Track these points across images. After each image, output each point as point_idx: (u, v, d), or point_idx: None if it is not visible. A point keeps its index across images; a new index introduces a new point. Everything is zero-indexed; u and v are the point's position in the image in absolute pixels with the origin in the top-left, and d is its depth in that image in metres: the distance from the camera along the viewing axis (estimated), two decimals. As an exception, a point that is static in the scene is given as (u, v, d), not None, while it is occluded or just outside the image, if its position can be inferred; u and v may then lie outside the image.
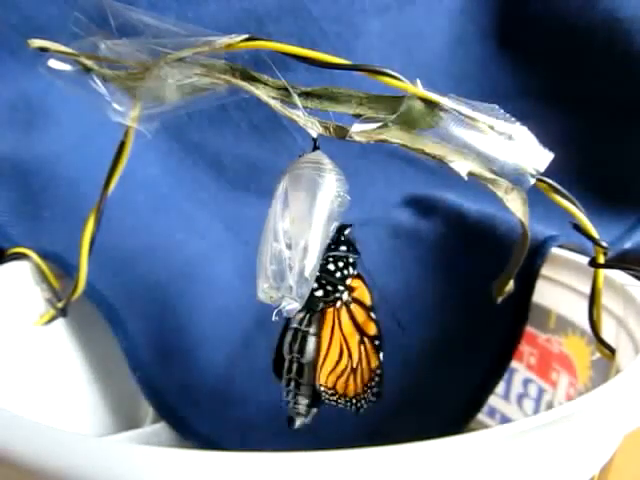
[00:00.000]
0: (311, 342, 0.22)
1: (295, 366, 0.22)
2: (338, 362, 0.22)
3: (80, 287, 0.28)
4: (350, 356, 0.23)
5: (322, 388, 0.22)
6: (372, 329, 0.23)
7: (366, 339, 0.23)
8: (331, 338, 0.22)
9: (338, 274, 0.22)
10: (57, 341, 0.32)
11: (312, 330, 0.22)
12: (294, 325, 0.22)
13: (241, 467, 0.13)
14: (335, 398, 0.23)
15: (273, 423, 0.33)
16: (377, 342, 0.23)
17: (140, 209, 0.35)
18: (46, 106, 0.33)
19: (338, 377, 0.22)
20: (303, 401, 0.22)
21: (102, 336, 0.33)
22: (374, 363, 0.23)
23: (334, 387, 0.22)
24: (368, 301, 0.23)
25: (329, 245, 0.22)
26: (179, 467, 0.13)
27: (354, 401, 0.23)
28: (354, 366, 0.23)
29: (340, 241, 0.23)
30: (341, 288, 0.22)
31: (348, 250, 0.23)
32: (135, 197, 0.34)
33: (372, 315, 0.23)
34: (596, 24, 0.37)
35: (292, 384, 0.22)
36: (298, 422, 0.23)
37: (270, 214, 0.19)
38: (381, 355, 0.23)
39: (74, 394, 0.33)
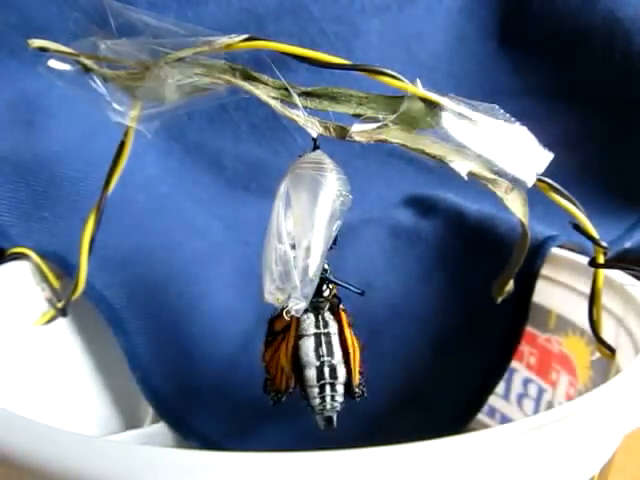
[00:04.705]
0: (335, 341, 0.22)
1: (327, 370, 0.22)
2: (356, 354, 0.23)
3: (80, 287, 0.28)
4: (353, 344, 0.23)
5: (358, 385, 0.22)
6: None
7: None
8: (349, 333, 0.23)
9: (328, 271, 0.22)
10: (57, 341, 0.32)
11: (333, 330, 0.22)
12: (311, 331, 0.22)
13: (241, 467, 0.13)
14: (361, 388, 0.23)
15: (273, 423, 0.33)
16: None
17: (140, 209, 0.35)
18: (46, 106, 0.33)
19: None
20: (339, 398, 0.22)
21: (102, 336, 0.32)
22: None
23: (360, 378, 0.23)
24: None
25: None
26: (179, 467, 0.13)
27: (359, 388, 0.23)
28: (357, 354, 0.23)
29: None
30: (331, 286, 0.22)
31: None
32: (135, 197, 0.34)
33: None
34: (596, 23, 0.37)
35: (327, 388, 0.22)
36: (335, 418, 0.22)
37: (273, 215, 0.19)
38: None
39: (74, 394, 0.33)
